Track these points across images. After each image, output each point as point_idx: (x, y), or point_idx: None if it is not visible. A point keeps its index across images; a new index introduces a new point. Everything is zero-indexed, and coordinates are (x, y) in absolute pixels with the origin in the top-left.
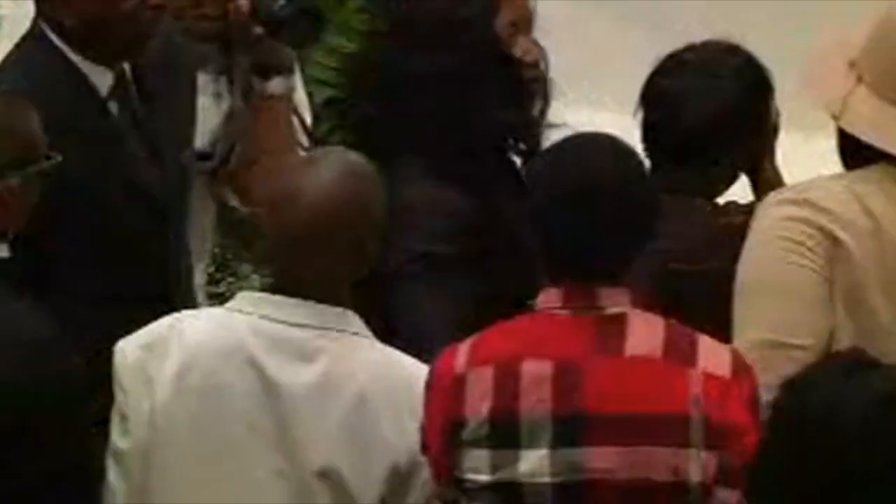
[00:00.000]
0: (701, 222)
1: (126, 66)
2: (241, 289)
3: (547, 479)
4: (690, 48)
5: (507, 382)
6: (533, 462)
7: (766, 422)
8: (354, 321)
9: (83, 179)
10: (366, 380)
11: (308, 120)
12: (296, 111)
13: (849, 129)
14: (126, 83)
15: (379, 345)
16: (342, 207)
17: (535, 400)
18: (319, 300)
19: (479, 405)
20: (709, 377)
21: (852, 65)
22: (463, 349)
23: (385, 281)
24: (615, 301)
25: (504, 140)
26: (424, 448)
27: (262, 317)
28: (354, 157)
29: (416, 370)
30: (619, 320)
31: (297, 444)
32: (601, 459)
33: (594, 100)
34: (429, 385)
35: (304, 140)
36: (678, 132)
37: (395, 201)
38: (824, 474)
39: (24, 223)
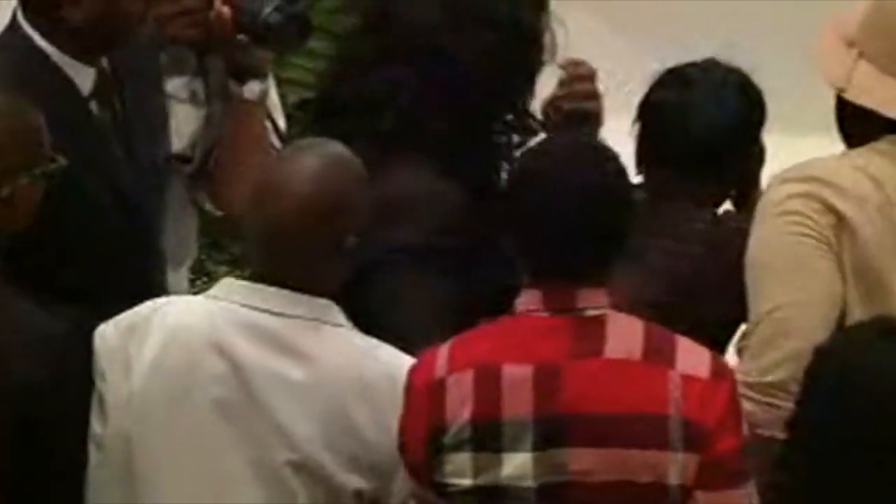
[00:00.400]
0: (703, 227)
1: (106, 66)
2: None
3: (530, 483)
4: (691, 64)
5: (488, 386)
6: (516, 465)
7: (801, 390)
8: (335, 312)
9: (67, 179)
10: (346, 371)
11: (281, 123)
12: (269, 115)
13: (856, 101)
14: (107, 82)
15: (360, 335)
16: (325, 197)
17: (517, 403)
18: (300, 290)
19: (460, 409)
20: (688, 379)
21: (850, 43)
22: (442, 353)
23: (374, 271)
24: (594, 302)
25: (499, 134)
26: (402, 452)
27: (242, 304)
28: (338, 147)
29: (397, 362)
30: (599, 322)
31: (271, 434)
32: (582, 461)
33: None
34: (407, 390)
35: (278, 144)
36: (685, 140)
37: (392, 193)
38: (866, 437)
39: (28, 224)
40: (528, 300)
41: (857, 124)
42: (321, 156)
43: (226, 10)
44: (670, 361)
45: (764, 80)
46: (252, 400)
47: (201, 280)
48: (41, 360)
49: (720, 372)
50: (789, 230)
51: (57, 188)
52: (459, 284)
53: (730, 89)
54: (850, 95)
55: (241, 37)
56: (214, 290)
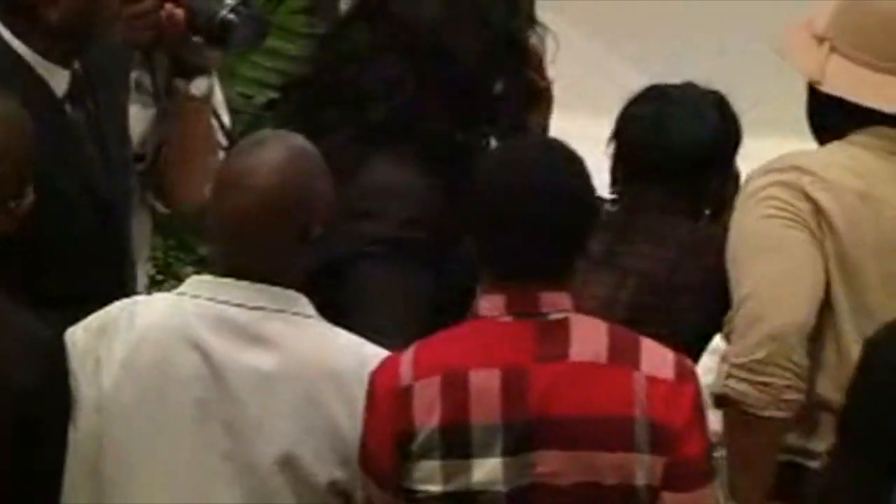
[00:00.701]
0: (679, 232)
1: (78, 67)
2: None
3: (501, 488)
4: (671, 85)
5: (456, 393)
6: (487, 471)
7: (852, 382)
8: (303, 303)
9: (42, 180)
10: (317, 361)
11: (226, 120)
12: (214, 112)
13: (832, 92)
14: (81, 83)
15: (328, 326)
16: (288, 189)
17: (485, 409)
18: (266, 282)
19: (427, 417)
20: (653, 381)
21: (821, 39)
22: (406, 360)
23: (349, 263)
24: (557, 306)
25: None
26: (365, 458)
27: (209, 299)
28: (300, 139)
29: (367, 351)
30: (563, 325)
31: (248, 427)
32: (551, 464)
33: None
34: (371, 395)
35: (223, 140)
36: (662, 152)
37: (368, 186)
38: None
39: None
40: (490, 304)
41: (830, 117)
42: (282, 148)
43: (178, 11)
44: (635, 363)
45: (755, 84)
46: (228, 396)
47: (169, 282)
48: (33, 363)
49: (685, 373)
50: (767, 213)
51: (35, 192)
52: (432, 277)
53: (708, 106)
54: (825, 87)
55: (196, 38)
56: (182, 287)
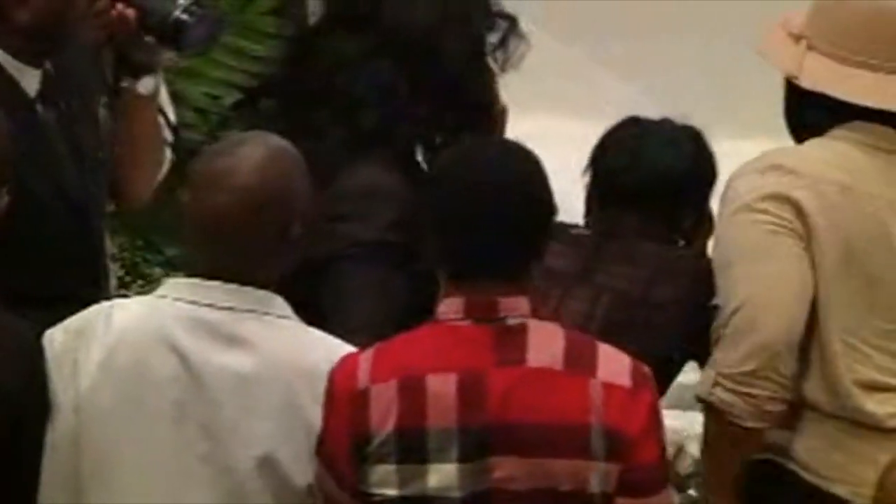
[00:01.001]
0: (655, 257)
1: (49, 67)
2: (151, 291)
3: (456, 493)
4: (648, 119)
5: (412, 397)
6: (442, 476)
7: None
8: (279, 304)
9: (15, 180)
10: (292, 362)
11: (172, 117)
12: (160, 109)
13: (810, 87)
14: (52, 83)
15: (303, 326)
16: (268, 188)
17: (442, 414)
18: (242, 283)
19: (384, 421)
20: (609, 388)
21: (798, 37)
22: (364, 362)
23: (331, 265)
24: (516, 310)
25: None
26: (322, 457)
27: (187, 301)
28: (278, 139)
29: (342, 352)
30: (520, 330)
31: (224, 430)
32: (507, 470)
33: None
34: (329, 397)
35: (170, 138)
36: (638, 177)
37: (352, 188)
38: None
39: None
40: (449, 308)
41: (807, 114)
42: (261, 148)
43: (130, 11)
44: (592, 370)
45: (745, 84)
46: (205, 398)
47: (137, 283)
48: (14, 364)
49: (641, 380)
50: (753, 220)
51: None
52: (412, 281)
53: (685, 138)
54: (803, 82)
55: (148, 38)
56: (161, 289)
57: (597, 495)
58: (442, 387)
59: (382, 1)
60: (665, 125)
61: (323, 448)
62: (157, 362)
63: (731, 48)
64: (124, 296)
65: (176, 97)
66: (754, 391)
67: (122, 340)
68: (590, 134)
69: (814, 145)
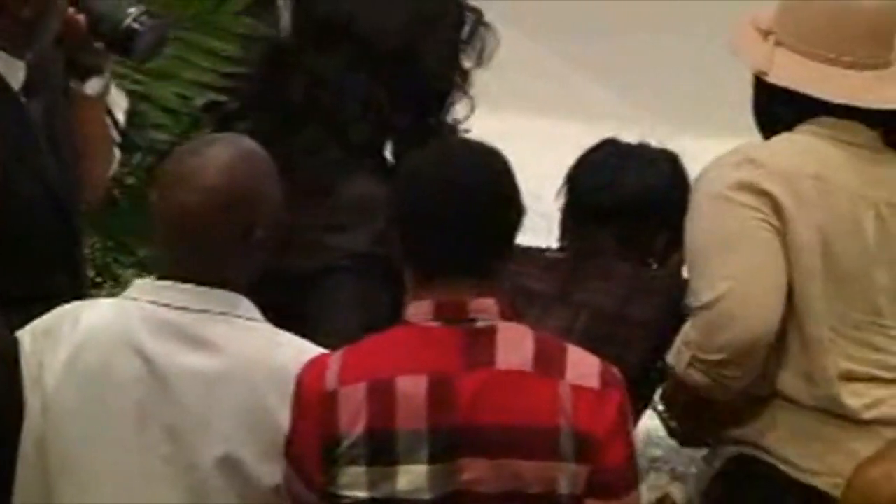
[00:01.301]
0: (630, 275)
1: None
2: (122, 292)
3: (426, 495)
4: (626, 142)
5: (382, 399)
6: (412, 478)
7: None
8: (246, 306)
9: (2, 175)
10: (258, 362)
11: (121, 119)
12: (108, 110)
13: (779, 82)
14: (35, 76)
15: (272, 329)
16: (234, 187)
17: (411, 416)
18: (210, 285)
19: (353, 423)
20: (578, 389)
21: (766, 34)
22: (332, 364)
23: (322, 277)
24: (485, 312)
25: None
26: (291, 458)
27: (151, 302)
28: (246, 140)
29: (310, 354)
30: (489, 332)
31: (189, 431)
32: (476, 472)
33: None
34: (297, 399)
35: (118, 138)
36: (615, 195)
37: (345, 199)
38: None
39: None
40: (418, 310)
41: (776, 110)
42: (229, 148)
43: (80, 16)
44: (560, 372)
45: (721, 83)
46: (169, 399)
47: (108, 284)
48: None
49: (610, 381)
50: (729, 211)
51: None
52: (394, 292)
53: (662, 159)
54: (772, 78)
55: (97, 43)
56: (129, 291)
57: (565, 497)
58: (412, 388)
59: (354, 12)
60: (643, 147)
61: (291, 450)
62: (121, 363)
63: (706, 47)
64: (96, 297)
65: (147, 98)
66: (728, 375)
67: (88, 341)
68: (559, 132)
69: (784, 140)
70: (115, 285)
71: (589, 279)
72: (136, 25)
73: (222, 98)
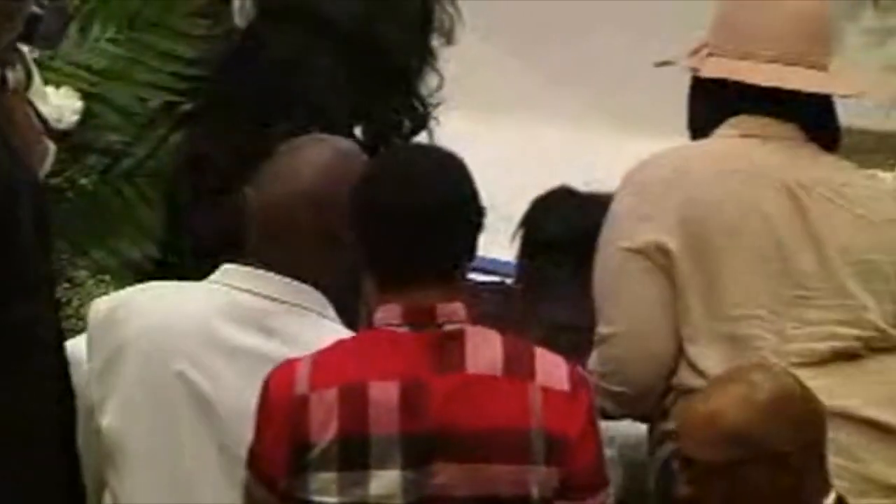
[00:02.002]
0: (578, 299)
1: None
2: (77, 296)
3: (399, 501)
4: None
5: (354, 404)
6: (385, 483)
7: None
8: (322, 302)
9: None
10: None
11: (45, 111)
12: (29, 102)
13: (710, 74)
14: None
15: (338, 327)
16: (323, 190)
17: (384, 421)
18: (295, 279)
19: (324, 428)
20: (548, 392)
21: (699, 48)
22: (302, 369)
23: None
24: (453, 316)
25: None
26: (255, 461)
27: (233, 287)
28: (347, 144)
29: None
30: (458, 336)
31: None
32: (448, 476)
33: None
34: (265, 403)
35: (40, 130)
36: (568, 226)
37: None
38: None
39: None
40: (387, 315)
41: (704, 109)
42: (327, 149)
43: None
44: (530, 374)
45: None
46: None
47: (62, 286)
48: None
49: (579, 383)
50: (620, 253)
51: None
52: None
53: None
54: (704, 73)
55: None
56: (214, 275)
57: (536, 500)
58: (384, 394)
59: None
60: (595, 194)
61: (256, 454)
62: (190, 346)
63: (663, 48)
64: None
65: (101, 99)
66: (624, 393)
67: (156, 323)
68: (514, 134)
69: (702, 142)
70: (70, 287)
71: (544, 300)
72: (37, 10)
73: (177, 99)
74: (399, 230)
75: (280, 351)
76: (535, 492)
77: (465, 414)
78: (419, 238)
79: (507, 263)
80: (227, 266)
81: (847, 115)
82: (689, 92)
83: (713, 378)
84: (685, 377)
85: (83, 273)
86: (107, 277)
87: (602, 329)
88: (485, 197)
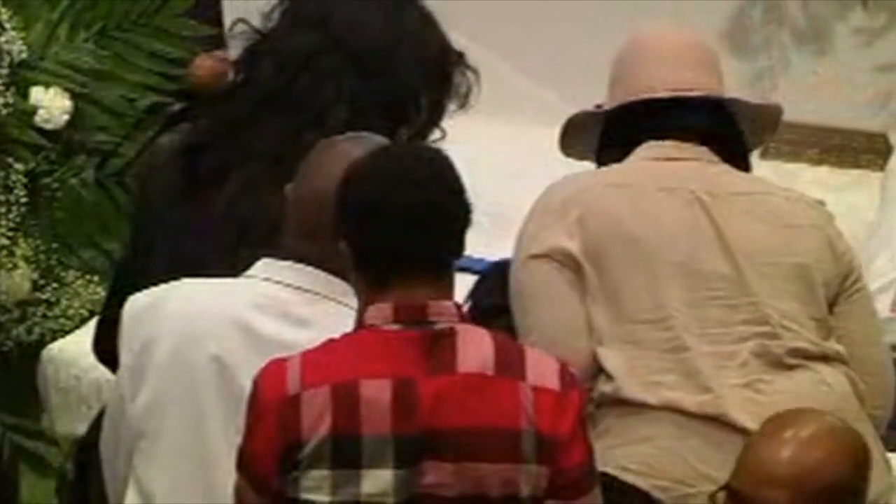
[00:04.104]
0: None
1: None
2: (66, 295)
3: (391, 500)
4: None
5: (346, 402)
6: (377, 482)
7: None
8: (353, 294)
9: None
10: None
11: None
12: None
13: (615, 102)
14: None
15: None
16: None
17: (376, 420)
18: (329, 272)
19: (317, 426)
20: (539, 391)
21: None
22: (292, 368)
23: None
24: (444, 315)
25: None
26: (247, 462)
27: (267, 279)
28: (381, 142)
29: None
30: (449, 335)
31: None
32: (438, 476)
33: None
34: (255, 402)
35: None
36: None
37: None
38: None
39: None
40: (378, 314)
41: (616, 143)
42: (364, 145)
43: None
44: (521, 374)
45: None
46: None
47: (51, 286)
48: None
49: (569, 382)
50: (526, 262)
51: None
52: None
53: None
54: (608, 105)
55: None
56: (252, 269)
57: (526, 500)
58: (376, 393)
59: (332, 9)
60: None
61: (245, 455)
62: (224, 333)
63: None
64: (37, 300)
65: (90, 100)
66: None
67: (190, 313)
68: (496, 132)
69: (604, 168)
70: (59, 287)
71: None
72: None
73: (165, 100)
74: (389, 228)
75: (314, 341)
76: (525, 491)
77: (457, 413)
78: (409, 236)
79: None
80: (264, 260)
81: (836, 115)
82: (598, 140)
83: (766, 425)
84: (598, 384)
85: (72, 273)
86: (95, 278)
87: (520, 330)
88: (471, 195)
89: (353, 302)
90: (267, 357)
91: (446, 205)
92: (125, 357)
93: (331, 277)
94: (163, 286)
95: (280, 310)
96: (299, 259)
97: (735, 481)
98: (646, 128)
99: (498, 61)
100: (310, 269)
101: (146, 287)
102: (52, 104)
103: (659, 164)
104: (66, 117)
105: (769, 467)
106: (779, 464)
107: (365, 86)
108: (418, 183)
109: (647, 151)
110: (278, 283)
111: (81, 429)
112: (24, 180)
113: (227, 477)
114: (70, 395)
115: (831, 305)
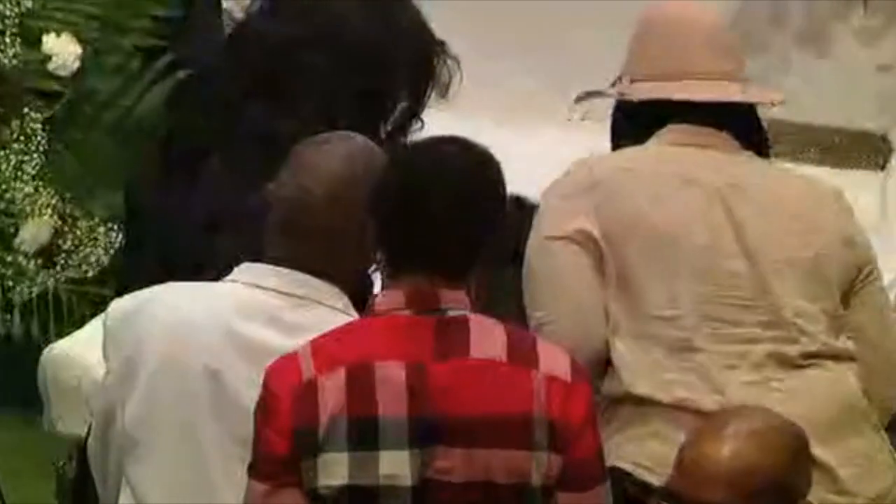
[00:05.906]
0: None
1: None
2: (86, 242)
3: (407, 483)
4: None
5: (362, 386)
6: (394, 464)
7: None
8: (344, 300)
9: None
10: None
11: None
12: None
13: (642, 96)
14: None
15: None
16: (351, 183)
17: (392, 402)
18: (315, 275)
19: (334, 409)
20: (551, 380)
21: (616, 81)
22: (303, 356)
23: None
24: (457, 303)
25: None
26: (261, 458)
27: (251, 285)
28: (364, 139)
29: None
30: (462, 322)
31: (247, 413)
32: (449, 461)
33: None
34: (268, 394)
35: None
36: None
37: None
38: None
39: None
40: (390, 300)
41: (633, 126)
42: (347, 144)
43: None
44: (534, 362)
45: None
46: (255, 380)
47: (72, 233)
48: None
49: (579, 373)
50: (546, 241)
51: None
52: None
53: None
54: (635, 97)
55: None
56: (232, 273)
57: (537, 488)
58: (391, 376)
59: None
60: None
61: (258, 452)
62: (212, 341)
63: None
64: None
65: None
66: None
67: (176, 320)
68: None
69: (626, 150)
70: (79, 235)
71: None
72: None
73: (160, 44)
74: (422, 223)
75: (295, 344)
76: (535, 479)
77: (469, 399)
78: (440, 232)
79: None
80: (246, 264)
81: (836, 115)
82: (612, 117)
83: (698, 427)
84: (609, 379)
85: (92, 221)
86: (115, 225)
87: (536, 313)
88: None
89: (340, 304)
90: (257, 364)
91: (482, 206)
92: (113, 363)
93: (315, 280)
94: (146, 290)
95: (268, 316)
96: (282, 260)
97: (672, 483)
98: (667, 113)
99: (498, 62)
100: (293, 272)
101: (146, 287)
102: (63, 50)
103: (682, 150)
104: (78, 63)
105: (707, 467)
106: (716, 463)
107: (345, 79)
108: (462, 180)
109: (669, 136)
110: (264, 288)
111: (82, 429)
112: (43, 129)
113: (222, 483)
114: (70, 395)
115: (846, 296)
